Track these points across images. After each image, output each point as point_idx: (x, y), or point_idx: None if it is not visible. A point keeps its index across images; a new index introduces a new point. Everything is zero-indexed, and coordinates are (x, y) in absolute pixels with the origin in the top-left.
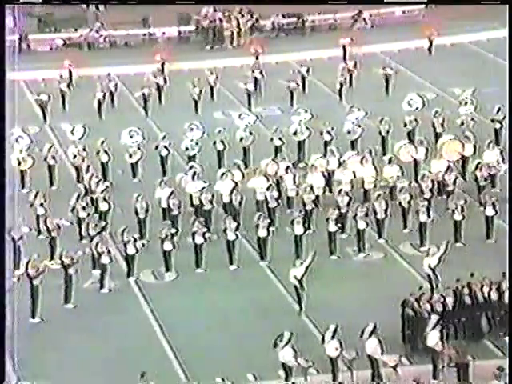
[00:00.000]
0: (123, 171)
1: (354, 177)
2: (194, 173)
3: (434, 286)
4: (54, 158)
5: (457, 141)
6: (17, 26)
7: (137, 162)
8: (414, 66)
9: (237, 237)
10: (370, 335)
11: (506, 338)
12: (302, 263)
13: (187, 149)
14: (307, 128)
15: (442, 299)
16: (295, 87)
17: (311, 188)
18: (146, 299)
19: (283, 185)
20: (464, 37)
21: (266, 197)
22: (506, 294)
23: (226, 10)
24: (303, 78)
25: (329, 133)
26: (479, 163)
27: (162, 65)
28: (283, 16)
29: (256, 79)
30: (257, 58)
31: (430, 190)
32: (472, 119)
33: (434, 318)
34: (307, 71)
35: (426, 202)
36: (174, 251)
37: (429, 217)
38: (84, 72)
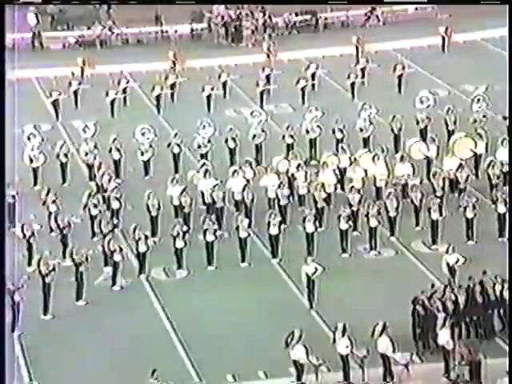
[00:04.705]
0: (135, 169)
1: (366, 174)
2: (206, 170)
3: (452, 283)
4: (66, 155)
5: (469, 138)
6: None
7: (149, 160)
8: (427, 64)
9: (248, 234)
10: (381, 334)
11: None
12: (313, 260)
13: (199, 146)
14: (318, 126)
15: (453, 297)
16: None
17: (322, 186)
18: (158, 296)
19: (295, 182)
20: (476, 34)
21: (277, 194)
22: None
23: (237, 8)
24: (313, 75)
25: (341, 130)
26: (492, 161)
27: (174, 63)
28: (296, 14)
29: (268, 77)
30: (268, 56)
31: (442, 188)
32: (484, 116)
33: (441, 316)
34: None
35: (437, 200)
36: (186, 248)
37: (441, 214)
38: (96, 70)
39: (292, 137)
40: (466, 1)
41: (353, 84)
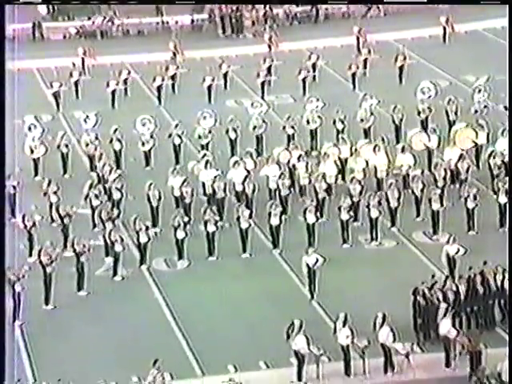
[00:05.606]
0: (136, 159)
1: (367, 165)
2: (207, 161)
3: (453, 273)
4: (66, 146)
5: (470, 129)
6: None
7: (150, 150)
8: (428, 54)
9: (249, 225)
10: (382, 324)
11: None
12: (314, 251)
13: (200, 137)
14: (319, 116)
15: (454, 288)
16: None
17: (323, 176)
18: (159, 287)
19: (296, 173)
20: (478, 24)
21: (278, 185)
22: None
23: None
24: (314, 66)
25: (341, 121)
26: (493, 151)
27: (175, 53)
28: (296, 4)
29: (268, 68)
30: (269, 47)
31: (443, 179)
32: (485, 107)
33: (443, 306)
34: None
35: (438, 191)
36: (187, 239)
37: (442, 205)
38: (97, 60)
39: (293, 127)
40: (466, 0)
41: (354, 74)
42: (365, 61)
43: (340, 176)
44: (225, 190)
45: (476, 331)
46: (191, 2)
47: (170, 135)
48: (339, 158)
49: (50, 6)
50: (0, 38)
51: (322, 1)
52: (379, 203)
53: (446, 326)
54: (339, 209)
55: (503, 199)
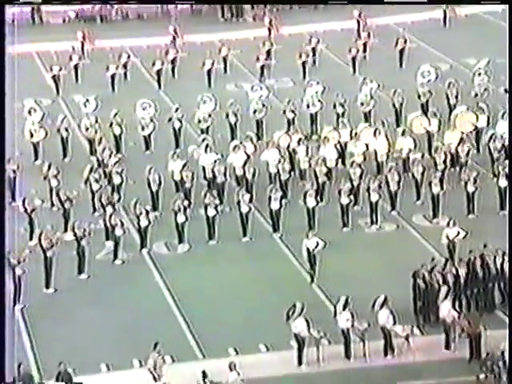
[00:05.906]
0: (136, 143)
1: (367, 149)
2: (207, 145)
3: (453, 256)
4: (66, 130)
5: (470, 112)
6: None
7: (149, 135)
8: (428, 37)
9: (250, 209)
10: (382, 306)
11: None
12: (314, 235)
13: (200, 121)
14: (319, 100)
15: (454, 271)
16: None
17: (324, 160)
18: (159, 270)
19: (296, 157)
20: (478, 7)
21: (278, 169)
22: None
23: None
24: (314, 50)
25: (342, 105)
26: (493, 134)
27: (175, 37)
28: None
29: (268, 51)
30: (269, 31)
31: (443, 162)
32: (486, 90)
33: (444, 289)
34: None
35: (439, 174)
36: (187, 223)
37: (442, 188)
38: (97, 44)
39: (293, 111)
40: (466, 0)
41: (354, 58)
42: (365, 44)
43: (340, 160)
44: (225, 174)
45: (476, 314)
46: (191, 1)
47: (169, 119)
48: (339, 142)
49: None
50: (0, 37)
51: (322, 1)
52: (379, 187)
53: (445, 309)
54: (339, 193)
55: (503, 182)
